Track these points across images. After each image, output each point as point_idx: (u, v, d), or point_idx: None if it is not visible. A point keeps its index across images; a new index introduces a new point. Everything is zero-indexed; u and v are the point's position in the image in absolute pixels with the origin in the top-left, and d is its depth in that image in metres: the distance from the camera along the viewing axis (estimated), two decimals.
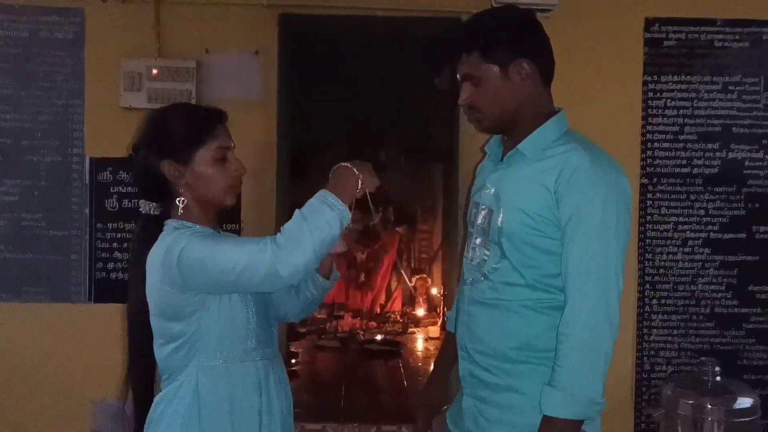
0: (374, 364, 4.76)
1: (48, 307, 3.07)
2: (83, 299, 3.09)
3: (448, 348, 1.88)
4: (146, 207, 1.55)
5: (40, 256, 3.06)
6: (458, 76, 1.64)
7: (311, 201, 1.43)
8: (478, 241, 1.64)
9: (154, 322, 1.48)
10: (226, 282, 1.41)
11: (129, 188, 3.07)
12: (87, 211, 3.07)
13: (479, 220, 1.64)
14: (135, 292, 1.53)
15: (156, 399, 1.51)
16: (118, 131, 3.03)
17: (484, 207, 1.63)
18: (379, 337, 5.35)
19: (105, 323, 3.07)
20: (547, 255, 1.52)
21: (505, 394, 1.58)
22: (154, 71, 2.95)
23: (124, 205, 3.08)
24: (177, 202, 1.49)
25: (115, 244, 3.08)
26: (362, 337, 5.34)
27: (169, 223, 1.50)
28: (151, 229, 1.50)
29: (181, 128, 1.49)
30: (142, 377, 1.56)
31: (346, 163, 1.49)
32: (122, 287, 3.00)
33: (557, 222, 1.50)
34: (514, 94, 1.59)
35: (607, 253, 1.47)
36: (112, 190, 3.07)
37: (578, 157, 1.49)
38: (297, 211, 1.44)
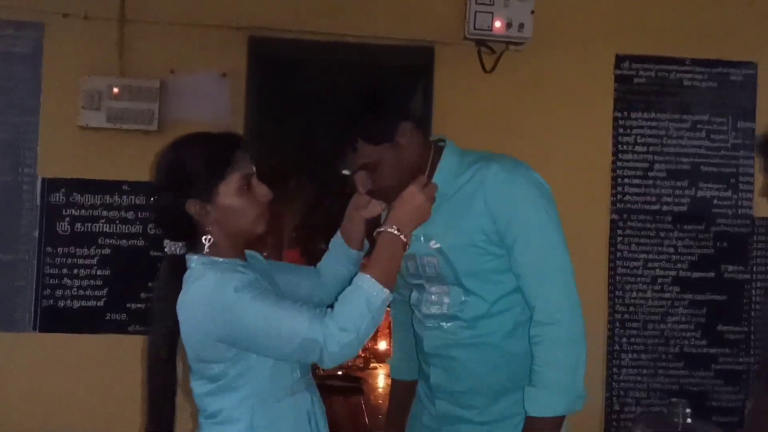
0: (334, 401, 4.60)
1: None
2: (28, 328, 2.91)
3: (399, 396, 1.90)
4: (171, 248, 1.44)
5: None
6: (349, 171, 1.61)
7: (350, 287, 1.36)
8: (434, 289, 1.64)
9: (193, 363, 1.40)
10: (277, 352, 1.35)
11: (83, 211, 2.93)
12: (36, 234, 2.91)
13: (428, 271, 1.63)
14: (159, 334, 1.45)
15: None
16: (74, 151, 2.94)
17: (422, 256, 1.62)
18: (339, 373, 5.21)
19: (51, 354, 2.93)
20: (503, 273, 1.56)
21: (496, 424, 1.59)
22: (115, 90, 2.84)
23: (77, 228, 2.92)
24: (203, 240, 1.39)
25: (65, 270, 2.92)
26: (321, 372, 5.19)
27: (195, 261, 1.40)
28: (178, 268, 1.41)
29: (200, 165, 1.38)
30: (163, 424, 1.45)
31: (389, 228, 1.41)
32: (71, 316, 2.90)
33: (500, 238, 1.53)
34: (408, 156, 1.58)
35: (553, 246, 1.52)
36: (64, 213, 2.92)
37: (491, 173, 1.54)
38: (345, 291, 1.36)
